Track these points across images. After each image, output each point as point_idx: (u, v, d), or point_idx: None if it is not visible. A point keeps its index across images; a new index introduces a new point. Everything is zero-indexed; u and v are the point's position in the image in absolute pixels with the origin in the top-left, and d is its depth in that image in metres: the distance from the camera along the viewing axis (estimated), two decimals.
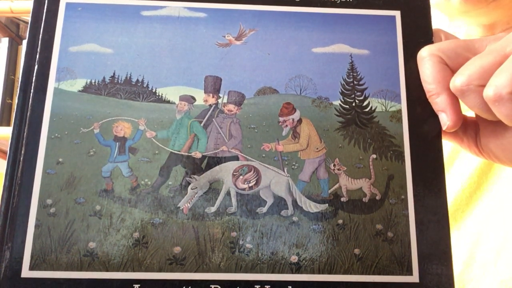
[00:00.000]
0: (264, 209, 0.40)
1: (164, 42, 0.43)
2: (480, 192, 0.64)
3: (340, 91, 0.43)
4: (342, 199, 0.41)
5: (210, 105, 0.43)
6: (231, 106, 0.43)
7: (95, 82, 0.42)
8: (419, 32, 0.44)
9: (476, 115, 0.42)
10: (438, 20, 0.64)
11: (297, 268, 0.39)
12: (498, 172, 0.63)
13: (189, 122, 0.42)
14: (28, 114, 0.41)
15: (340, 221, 0.40)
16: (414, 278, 0.39)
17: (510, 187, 0.61)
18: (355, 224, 0.40)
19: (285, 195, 0.41)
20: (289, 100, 0.43)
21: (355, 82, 0.43)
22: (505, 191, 0.62)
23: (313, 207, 0.41)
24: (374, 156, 0.42)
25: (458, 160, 0.66)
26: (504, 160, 0.42)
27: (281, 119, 0.43)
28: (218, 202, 0.40)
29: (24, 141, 0.40)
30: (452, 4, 0.57)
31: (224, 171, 0.41)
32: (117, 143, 0.41)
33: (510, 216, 0.60)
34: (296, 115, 0.43)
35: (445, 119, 0.40)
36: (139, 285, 0.38)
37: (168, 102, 0.42)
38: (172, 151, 0.41)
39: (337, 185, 0.41)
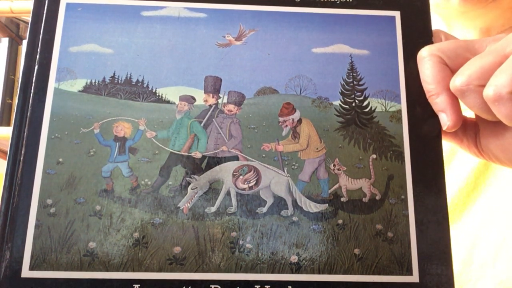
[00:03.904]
0: (264, 209, 0.40)
1: (164, 42, 0.43)
2: (477, 192, 0.64)
3: (340, 91, 0.43)
4: (342, 199, 0.41)
5: (210, 105, 0.43)
6: (231, 106, 0.43)
7: (95, 82, 0.43)
8: (419, 32, 0.44)
9: (476, 115, 0.42)
10: (435, 25, 0.64)
11: (297, 268, 0.39)
12: (495, 173, 0.63)
13: (189, 122, 0.42)
14: (28, 114, 0.41)
15: (340, 221, 0.40)
16: (414, 278, 0.39)
17: (507, 187, 0.61)
18: (355, 224, 0.40)
19: (285, 195, 0.41)
20: (289, 100, 0.43)
21: (355, 82, 0.44)
22: (503, 191, 0.62)
23: (313, 207, 0.41)
24: (374, 156, 0.42)
25: (455, 161, 0.66)
26: (504, 161, 0.42)
27: (281, 119, 0.43)
28: (218, 202, 0.40)
29: (24, 141, 0.40)
30: (451, 4, 0.57)
31: (224, 171, 0.41)
32: (117, 143, 0.41)
33: (508, 216, 0.60)
34: (296, 115, 0.43)
35: (445, 119, 0.40)
36: (139, 285, 0.38)
37: (168, 102, 0.42)
38: (172, 151, 0.41)
39: (337, 185, 0.41)
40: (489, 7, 0.57)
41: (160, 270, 0.38)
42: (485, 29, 0.62)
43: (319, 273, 0.39)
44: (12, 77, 1.32)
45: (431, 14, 0.45)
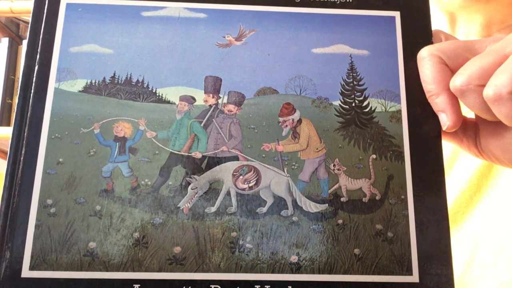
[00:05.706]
0: (264, 209, 0.40)
1: (164, 43, 0.43)
2: (479, 194, 0.64)
3: (340, 91, 0.43)
4: (342, 199, 0.41)
5: (210, 106, 0.43)
6: (231, 107, 0.43)
7: (95, 82, 0.43)
8: (418, 32, 0.44)
9: (476, 115, 0.42)
10: (437, 20, 0.65)
11: (297, 268, 0.39)
12: (497, 175, 0.63)
13: (189, 122, 0.42)
14: (28, 114, 0.41)
15: (340, 221, 0.40)
16: (414, 278, 0.39)
17: (510, 189, 0.61)
18: (355, 224, 0.40)
19: (285, 195, 0.41)
20: (289, 100, 0.43)
21: (355, 83, 0.44)
22: (505, 193, 0.62)
23: (313, 207, 0.41)
24: (374, 156, 0.42)
25: (458, 163, 0.66)
26: (504, 161, 0.42)
27: (281, 119, 0.43)
28: (218, 202, 0.40)
29: (24, 141, 0.40)
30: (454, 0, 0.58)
31: (224, 171, 0.41)
32: (117, 143, 0.41)
33: (509, 218, 0.60)
34: (296, 116, 0.43)
35: (445, 119, 0.40)
36: (139, 285, 0.38)
37: (168, 102, 0.43)
38: (172, 151, 0.41)
39: (337, 185, 0.41)
40: (491, 3, 0.58)
41: (160, 270, 0.38)
42: (485, 24, 0.62)
43: (319, 273, 0.39)
44: (12, 77, 1.32)
45: (433, 9, 0.45)
